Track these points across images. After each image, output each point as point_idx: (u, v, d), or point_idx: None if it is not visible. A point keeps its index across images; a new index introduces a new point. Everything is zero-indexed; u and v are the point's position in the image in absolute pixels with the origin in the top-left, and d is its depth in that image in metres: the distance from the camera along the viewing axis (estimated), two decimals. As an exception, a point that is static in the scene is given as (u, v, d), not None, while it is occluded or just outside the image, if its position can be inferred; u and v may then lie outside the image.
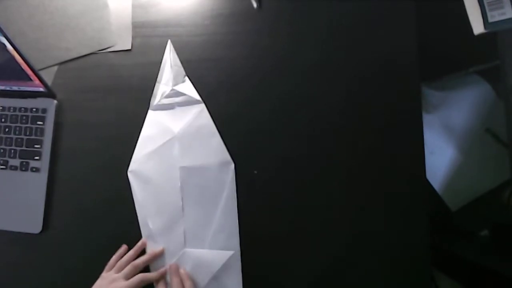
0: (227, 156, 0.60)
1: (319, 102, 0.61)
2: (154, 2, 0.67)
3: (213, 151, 0.60)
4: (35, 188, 0.62)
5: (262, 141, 0.61)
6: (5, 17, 0.67)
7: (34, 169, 0.62)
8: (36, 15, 0.67)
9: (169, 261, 0.58)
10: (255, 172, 0.60)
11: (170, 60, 0.63)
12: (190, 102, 0.62)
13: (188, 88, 0.62)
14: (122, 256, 0.57)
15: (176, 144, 0.60)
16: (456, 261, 0.87)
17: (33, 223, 0.61)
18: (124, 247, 0.59)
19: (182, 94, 0.62)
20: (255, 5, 0.64)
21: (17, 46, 0.55)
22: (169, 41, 0.64)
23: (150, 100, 0.63)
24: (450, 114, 0.97)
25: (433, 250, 0.56)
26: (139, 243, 0.58)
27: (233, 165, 0.60)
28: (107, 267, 0.57)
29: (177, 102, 0.62)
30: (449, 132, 0.95)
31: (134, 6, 0.67)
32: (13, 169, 0.63)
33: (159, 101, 0.62)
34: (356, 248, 0.57)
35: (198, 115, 0.61)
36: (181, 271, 0.56)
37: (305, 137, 0.61)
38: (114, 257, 0.58)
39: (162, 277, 0.56)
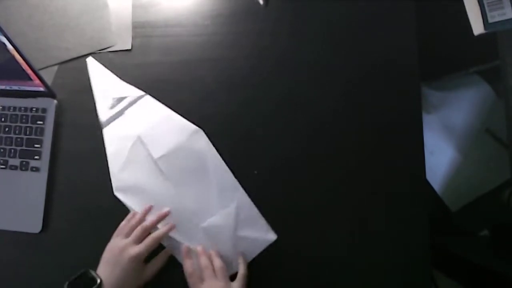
0: (192, 126, 0.60)
1: (319, 102, 0.61)
2: (154, 2, 0.67)
3: (177, 129, 0.61)
4: (35, 188, 0.62)
5: (262, 141, 0.61)
6: (5, 17, 0.67)
7: (34, 169, 0.62)
8: (36, 15, 0.67)
9: (194, 246, 0.57)
10: (255, 172, 0.60)
11: (96, 75, 0.63)
12: (135, 100, 0.62)
13: (126, 89, 0.62)
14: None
15: (142, 142, 0.60)
16: (456, 261, 0.86)
17: (33, 223, 0.61)
18: (132, 213, 0.58)
19: (124, 97, 0.62)
20: (261, 2, 0.64)
21: (17, 46, 0.55)
22: (89, 59, 0.64)
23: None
24: (450, 114, 0.97)
25: (433, 250, 0.56)
26: (146, 207, 0.58)
27: (201, 131, 0.60)
28: (115, 233, 0.56)
29: (124, 107, 0.62)
30: (449, 132, 0.95)
31: (134, 6, 0.67)
32: (13, 169, 0.63)
33: (106, 115, 0.62)
34: (356, 248, 0.57)
35: (148, 107, 0.62)
36: (211, 251, 0.56)
37: (305, 137, 0.61)
38: (123, 223, 0.57)
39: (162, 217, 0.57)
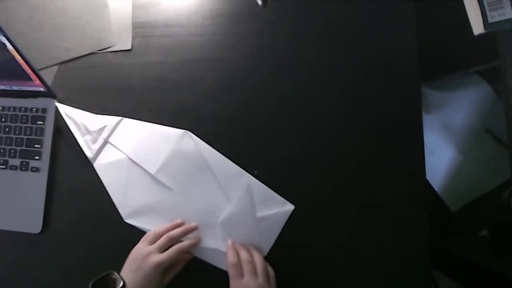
0: (177, 131, 0.61)
1: (319, 102, 0.61)
2: (154, 2, 0.67)
3: (163, 138, 0.61)
4: (35, 188, 0.62)
5: (262, 141, 0.61)
6: (5, 17, 0.67)
7: (34, 169, 0.62)
8: (36, 15, 0.67)
9: (217, 244, 0.57)
10: (255, 172, 0.60)
11: (70, 117, 0.62)
12: (114, 126, 0.62)
13: (102, 120, 0.62)
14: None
15: (134, 163, 0.60)
16: (456, 261, 0.87)
17: (33, 223, 0.61)
18: (164, 224, 0.58)
19: (103, 127, 0.62)
20: (259, 2, 0.64)
21: (17, 46, 0.55)
22: (57, 104, 0.62)
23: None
24: (450, 114, 0.97)
25: (433, 250, 0.56)
26: (178, 221, 0.58)
27: (188, 132, 0.61)
28: (142, 239, 0.57)
29: (106, 137, 0.61)
30: (449, 132, 0.95)
31: (134, 6, 0.67)
32: (13, 169, 0.63)
33: (92, 150, 0.61)
34: (356, 247, 0.57)
35: (129, 128, 0.62)
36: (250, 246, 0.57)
37: (305, 137, 0.61)
38: (151, 231, 0.57)
39: (190, 230, 0.57)
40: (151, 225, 0.59)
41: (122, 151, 0.61)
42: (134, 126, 0.62)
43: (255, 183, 0.59)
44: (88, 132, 0.61)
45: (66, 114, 0.62)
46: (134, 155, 0.61)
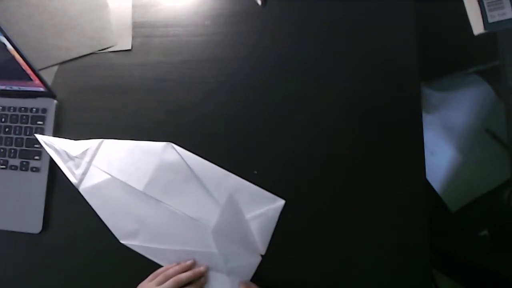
0: (159, 144, 0.61)
1: (319, 102, 0.61)
2: (154, 2, 0.67)
3: (146, 154, 0.60)
4: (35, 188, 0.62)
5: (262, 141, 0.61)
6: (5, 17, 0.67)
7: (34, 169, 0.62)
8: (36, 15, 0.67)
9: (211, 252, 0.57)
10: (255, 172, 0.60)
11: (49, 145, 0.61)
12: (96, 149, 0.61)
13: (83, 144, 0.61)
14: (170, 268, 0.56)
15: (121, 182, 0.60)
16: (456, 261, 0.87)
17: (33, 223, 0.61)
18: (174, 264, 0.57)
19: (84, 152, 0.61)
20: (259, 2, 0.64)
21: (17, 46, 0.55)
22: (37, 136, 0.61)
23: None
24: (450, 114, 0.97)
25: (433, 250, 0.56)
26: (189, 262, 0.57)
27: (170, 144, 0.61)
28: (151, 276, 0.56)
29: (89, 160, 0.61)
30: (449, 132, 0.95)
31: (134, 6, 0.67)
32: (13, 169, 0.63)
33: (76, 176, 0.60)
34: (356, 248, 0.57)
35: (111, 148, 0.61)
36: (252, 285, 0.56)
37: (305, 137, 0.61)
38: (162, 269, 0.56)
39: (198, 275, 0.56)
40: (147, 243, 0.58)
41: (107, 172, 0.60)
42: (116, 146, 0.62)
43: (241, 184, 0.59)
44: (70, 158, 0.61)
45: (46, 143, 0.61)
46: (120, 175, 0.60)
